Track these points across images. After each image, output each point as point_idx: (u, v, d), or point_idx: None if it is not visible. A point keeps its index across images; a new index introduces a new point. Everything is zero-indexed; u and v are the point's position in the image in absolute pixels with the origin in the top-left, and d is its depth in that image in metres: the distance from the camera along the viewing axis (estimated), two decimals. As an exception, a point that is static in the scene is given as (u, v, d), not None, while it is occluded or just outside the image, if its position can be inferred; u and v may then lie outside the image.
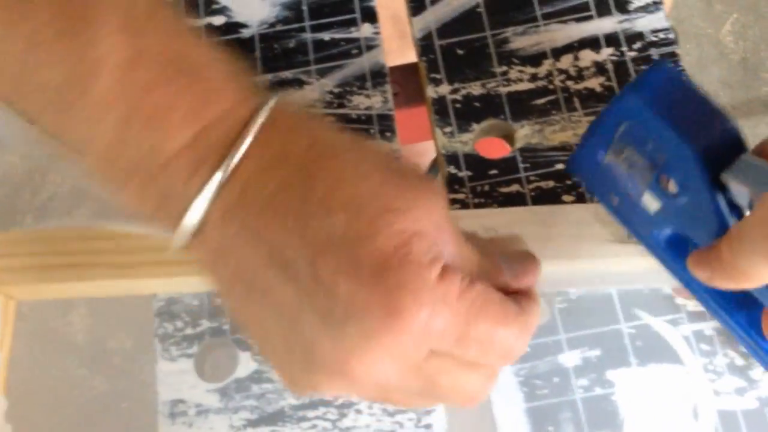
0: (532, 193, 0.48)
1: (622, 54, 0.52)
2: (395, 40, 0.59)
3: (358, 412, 0.45)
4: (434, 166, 0.96)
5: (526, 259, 0.38)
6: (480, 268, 0.35)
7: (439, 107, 0.51)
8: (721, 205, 0.36)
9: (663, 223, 0.40)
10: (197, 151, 0.31)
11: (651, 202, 0.39)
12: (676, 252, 0.41)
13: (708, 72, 1.65)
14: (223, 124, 0.31)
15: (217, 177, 0.31)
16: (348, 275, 0.30)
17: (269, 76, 0.52)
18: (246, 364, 0.46)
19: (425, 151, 0.94)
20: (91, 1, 0.31)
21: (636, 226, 0.42)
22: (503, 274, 0.36)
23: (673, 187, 0.37)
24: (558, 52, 0.52)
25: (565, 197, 0.48)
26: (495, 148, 0.51)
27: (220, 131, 0.31)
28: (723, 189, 0.35)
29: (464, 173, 0.49)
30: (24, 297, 0.47)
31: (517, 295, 0.36)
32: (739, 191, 0.35)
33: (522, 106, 0.51)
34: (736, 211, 0.36)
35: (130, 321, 0.42)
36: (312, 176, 0.31)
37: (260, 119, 0.31)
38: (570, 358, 0.45)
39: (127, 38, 0.31)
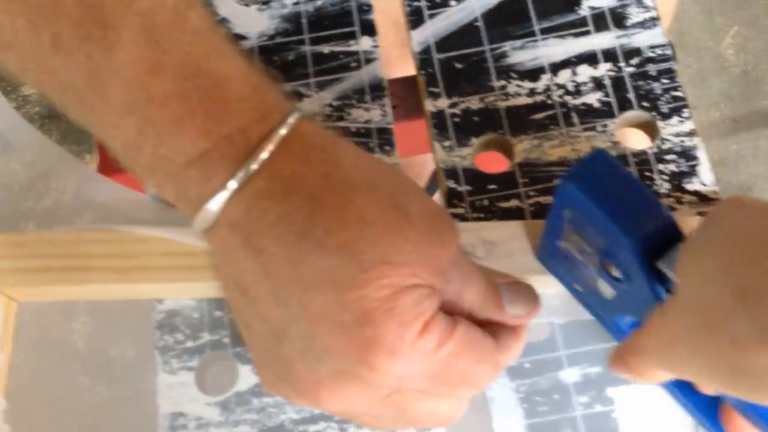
0: (531, 208, 0.49)
1: (620, 69, 0.52)
2: (396, 49, 0.59)
3: (359, 427, 0.45)
4: (435, 178, 0.96)
5: (528, 295, 0.38)
6: (484, 300, 0.36)
7: (438, 121, 0.51)
8: (660, 293, 0.36)
9: (619, 309, 0.40)
10: (208, 165, 0.31)
11: (605, 289, 0.40)
12: None
13: (709, 85, 1.65)
14: (237, 141, 0.31)
15: (223, 194, 0.31)
16: (331, 318, 0.31)
17: (269, 90, 0.53)
18: (246, 378, 0.46)
19: (428, 161, 0.94)
20: (114, 7, 0.31)
21: (599, 312, 0.43)
22: (503, 311, 0.37)
23: (618, 273, 0.38)
24: (556, 67, 0.52)
25: (564, 212, 0.48)
26: (494, 163, 0.51)
27: (232, 148, 0.31)
28: (662, 276, 0.36)
29: (463, 188, 0.49)
30: (25, 299, 0.47)
31: (503, 329, 0.37)
32: (674, 278, 0.36)
33: (520, 121, 0.51)
34: None
35: (132, 330, 0.42)
36: (315, 213, 0.31)
37: (273, 143, 0.31)
38: (570, 375, 0.45)
39: (146, 48, 0.31)
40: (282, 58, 0.54)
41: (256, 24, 0.55)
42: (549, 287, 0.44)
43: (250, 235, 0.32)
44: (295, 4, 0.55)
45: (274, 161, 0.31)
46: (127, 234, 0.46)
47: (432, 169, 0.95)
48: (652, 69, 0.52)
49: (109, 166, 0.54)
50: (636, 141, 0.52)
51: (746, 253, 0.30)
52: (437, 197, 0.52)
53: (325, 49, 0.54)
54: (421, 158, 0.94)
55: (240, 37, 0.54)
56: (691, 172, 0.49)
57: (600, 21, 0.54)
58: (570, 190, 0.36)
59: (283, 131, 0.32)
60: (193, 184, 0.32)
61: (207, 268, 0.45)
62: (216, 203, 0.31)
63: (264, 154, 0.31)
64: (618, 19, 0.54)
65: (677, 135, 0.50)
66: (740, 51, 1.68)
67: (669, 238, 0.35)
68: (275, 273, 0.32)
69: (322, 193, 0.32)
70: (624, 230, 0.35)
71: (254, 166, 0.31)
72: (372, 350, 0.31)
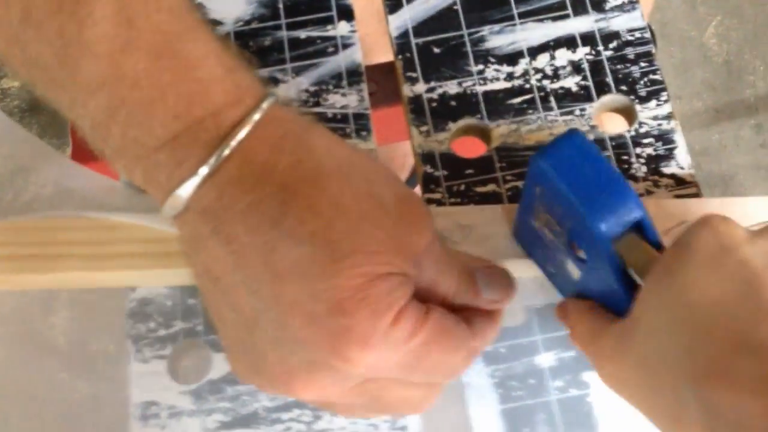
0: (509, 193, 0.48)
1: (599, 53, 0.52)
2: (378, 37, 0.59)
3: (333, 414, 0.44)
4: (413, 174, 0.96)
5: (504, 280, 0.38)
6: (458, 286, 0.36)
7: (415, 106, 0.51)
8: (620, 277, 0.36)
9: (585, 290, 0.40)
10: (178, 149, 0.31)
11: (573, 270, 0.39)
12: None
13: (692, 74, 1.65)
14: (209, 125, 0.31)
15: (194, 180, 0.31)
16: (303, 308, 0.31)
17: (244, 75, 0.52)
18: (220, 366, 0.45)
19: (411, 152, 0.93)
20: None
21: (570, 294, 0.42)
22: (479, 295, 0.36)
23: (582, 254, 0.38)
24: (534, 51, 0.52)
25: (541, 196, 0.48)
26: (471, 148, 0.51)
27: (204, 132, 0.31)
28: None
29: (440, 172, 0.49)
30: (0, 287, 0.46)
31: (478, 314, 0.36)
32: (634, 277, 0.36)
33: (498, 105, 0.51)
34: (630, 281, 0.36)
35: (113, 324, 0.42)
36: (287, 201, 0.31)
37: (246, 128, 0.31)
38: (546, 359, 0.45)
39: (119, 25, 0.30)
40: (258, 44, 0.53)
41: (233, 9, 0.54)
42: (525, 271, 0.44)
43: (221, 222, 0.31)
44: (271, -13, 0.55)
45: (247, 147, 0.31)
46: (99, 221, 0.45)
47: (410, 162, 0.95)
48: (630, 52, 0.51)
49: (83, 155, 0.54)
50: (614, 125, 0.51)
51: (707, 336, 0.31)
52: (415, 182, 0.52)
53: (302, 34, 0.53)
54: (403, 149, 0.93)
55: (216, 23, 0.54)
56: (669, 156, 0.49)
57: (578, 4, 0.53)
58: (540, 166, 0.36)
59: (256, 116, 0.31)
60: (162, 169, 0.31)
61: (181, 255, 0.44)
62: (186, 189, 0.31)
63: (236, 140, 0.30)
64: (596, 2, 0.53)
65: (655, 118, 0.50)
66: (723, 41, 1.68)
67: (635, 223, 0.35)
68: (246, 262, 0.31)
69: (295, 181, 0.31)
70: (588, 211, 0.34)
71: (226, 152, 0.30)
72: (344, 341, 0.31)
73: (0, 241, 0.45)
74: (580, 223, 0.35)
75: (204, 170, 0.30)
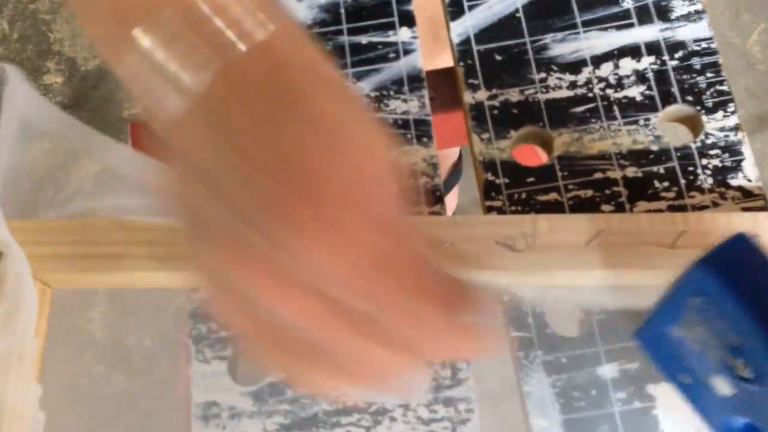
0: (570, 202, 0.48)
1: (664, 63, 0.51)
2: (437, 43, 0.59)
3: (393, 419, 0.44)
4: (455, 169, 0.96)
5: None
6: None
7: (477, 113, 0.51)
8: None
9: (736, 409, 0.37)
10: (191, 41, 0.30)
11: (723, 386, 0.36)
12: None
13: (735, 82, 1.63)
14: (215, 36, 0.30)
15: (204, 76, 0.30)
16: (299, 189, 0.29)
17: (306, 79, 0.52)
18: (279, 368, 0.45)
19: (450, 155, 0.93)
20: None
21: (706, 408, 0.39)
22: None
23: (748, 373, 0.34)
24: (598, 60, 0.52)
25: (604, 207, 0.48)
26: (532, 156, 0.51)
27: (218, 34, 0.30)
28: None
29: (501, 180, 0.49)
30: (60, 285, 0.47)
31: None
32: None
33: (560, 114, 0.50)
34: None
35: (149, 319, 0.42)
36: (295, 102, 0.30)
37: (265, 30, 0.30)
38: (608, 371, 0.44)
39: None
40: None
41: (295, 14, 0.54)
42: (588, 281, 0.44)
43: (222, 114, 0.30)
44: (335, -7, 0.55)
45: (263, 48, 0.30)
46: (165, 222, 0.46)
47: (452, 162, 0.95)
48: (696, 62, 0.51)
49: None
50: (678, 135, 0.51)
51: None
52: (473, 190, 0.52)
53: (364, 39, 0.53)
54: (450, 151, 0.93)
55: (277, 26, 0.54)
56: (736, 168, 0.48)
57: (643, 13, 0.53)
58: (706, 277, 0.33)
59: (272, 26, 0.30)
60: (172, 62, 0.30)
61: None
62: (196, 84, 0.30)
63: (256, 39, 0.30)
64: (662, 11, 0.53)
65: (721, 130, 0.49)
66: (766, 48, 1.66)
67: None
68: (243, 147, 0.30)
69: (303, 89, 0.30)
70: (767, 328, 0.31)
71: (243, 48, 0.30)
72: (318, 217, 0.29)
73: (61, 239, 0.46)
74: (755, 343, 0.32)
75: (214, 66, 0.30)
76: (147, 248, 0.45)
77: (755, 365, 0.33)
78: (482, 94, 0.51)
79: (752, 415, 0.36)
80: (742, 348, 0.33)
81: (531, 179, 0.49)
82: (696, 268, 0.33)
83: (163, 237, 0.45)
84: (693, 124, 0.50)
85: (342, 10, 0.54)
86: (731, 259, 0.32)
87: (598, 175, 0.49)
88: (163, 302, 0.42)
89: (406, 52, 0.53)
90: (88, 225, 0.46)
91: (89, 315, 0.46)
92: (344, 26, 0.54)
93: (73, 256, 0.45)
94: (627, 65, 0.51)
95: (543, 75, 0.52)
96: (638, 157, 0.49)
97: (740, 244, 0.33)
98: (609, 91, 0.51)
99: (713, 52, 0.51)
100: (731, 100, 0.50)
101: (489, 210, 0.48)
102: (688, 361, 0.38)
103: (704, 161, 0.49)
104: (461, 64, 0.52)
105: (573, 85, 0.51)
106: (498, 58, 0.52)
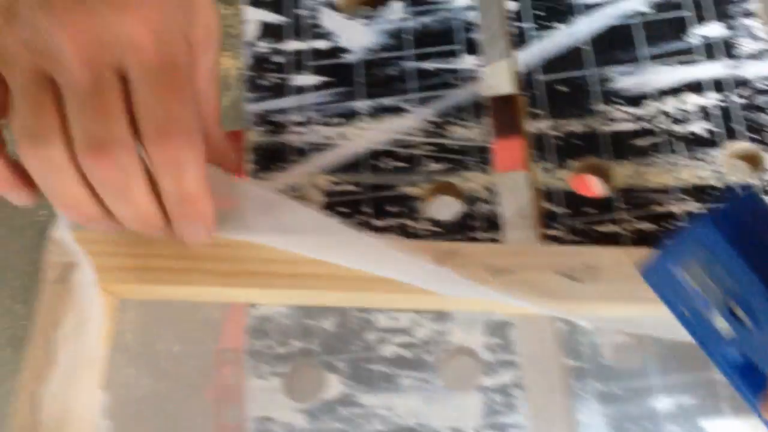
0: (631, 235, 0.48)
1: (728, 99, 0.51)
2: (498, 71, 0.59)
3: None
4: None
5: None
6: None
7: (538, 142, 0.51)
8: None
9: (736, 348, 0.39)
10: None
11: (722, 325, 0.38)
12: (749, 380, 0.39)
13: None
14: None
15: None
16: None
17: (370, 102, 0.53)
18: (335, 387, 0.46)
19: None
20: None
21: (707, 341, 0.41)
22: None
23: (746, 320, 0.36)
24: (662, 94, 0.52)
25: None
26: (592, 187, 0.51)
27: None
28: None
29: (560, 210, 0.49)
30: (126, 296, 0.48)
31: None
32: None
33: (622, 146, 0.51)
34: None
35: (178, 326, 0.43)
36: None
37: None
38: (663, 404, 0.44)
39: None
40: (384, 72, 0.54)
41: (361, 38, 0.55)
42: (646, 313, 0.44)
43: None
44: (403, 20, 0.56)
45: None
46: (229, 239, 0.47)
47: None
48: (761, 101, 0.51)
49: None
50: (739, 172, 0.51)
51: None
52: (531, 218, 0.52)
53: (428, 65, 0.54)
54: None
55: (344, 50, 0.55)
56: (799, 207, 0.48)
57: (710, 50, 0.53)
58: (711, 232, 0.34)
59: None
60: None
61: (304, 277, 0.46)
62: None
63: None
64: (729, 48, 0.53)
65: (785, 168, 0.49)
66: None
67: None
68: None
69: None
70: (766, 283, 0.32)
71: None
72: None
73: (129, 251, 0.47)
74: (754, 295, 0.33)
75: None
76: (211, 264, 0.46)
77: (755, 315, 0.34)
78: (544, 124, 0.52)
79: (751, 354, 0.38)
80: (742, 299, 0.34)
81: (590, 210, 0.49)
82: (703, 222, 0.34)
83: (228, 253, 0.46)
84: (754, 161, 0.50)
85: (408, 36, 0.55)
86: (736, 217, 0.33)
87: (659, 209, 0.49)
88: (190, 309, 0.43)
89: (470, 79, 0.54)
90: (150, 238, 0.47)
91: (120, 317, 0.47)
92: (410, 51, 0.55)
93: (137, 268, 0.46)
94: (691, 100, 0.52)
95: (606, 107, 0.52)
96: (700, 192, 0.49)
97: (751, 204, 0.34)
98: (672, 126, 0.51)
99: (779, 91, 0.51)
100: (796, 139, 0.50)
101: (547, 239, 0.48)
102: (689, 299, 0.39)
103: (767, 198, 0.48)
104: (525, 93, 0.53)
105: (636, 118, 0.51)
106: (562, 88, 0.53)
